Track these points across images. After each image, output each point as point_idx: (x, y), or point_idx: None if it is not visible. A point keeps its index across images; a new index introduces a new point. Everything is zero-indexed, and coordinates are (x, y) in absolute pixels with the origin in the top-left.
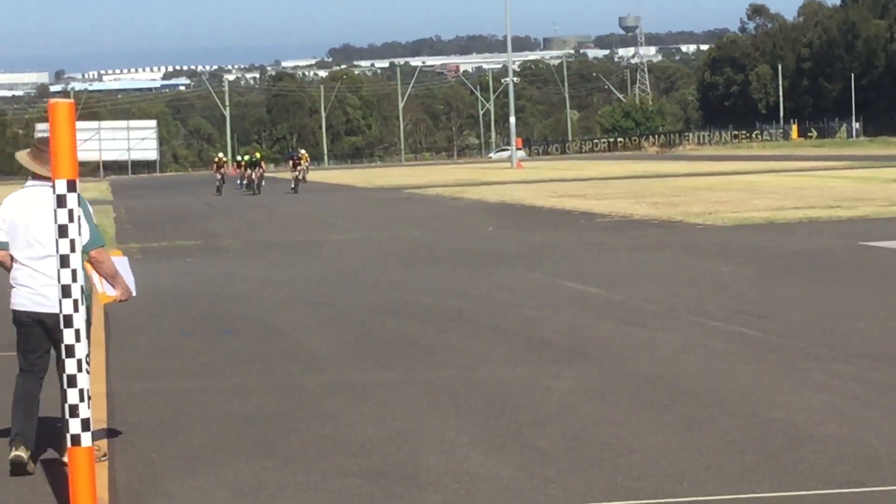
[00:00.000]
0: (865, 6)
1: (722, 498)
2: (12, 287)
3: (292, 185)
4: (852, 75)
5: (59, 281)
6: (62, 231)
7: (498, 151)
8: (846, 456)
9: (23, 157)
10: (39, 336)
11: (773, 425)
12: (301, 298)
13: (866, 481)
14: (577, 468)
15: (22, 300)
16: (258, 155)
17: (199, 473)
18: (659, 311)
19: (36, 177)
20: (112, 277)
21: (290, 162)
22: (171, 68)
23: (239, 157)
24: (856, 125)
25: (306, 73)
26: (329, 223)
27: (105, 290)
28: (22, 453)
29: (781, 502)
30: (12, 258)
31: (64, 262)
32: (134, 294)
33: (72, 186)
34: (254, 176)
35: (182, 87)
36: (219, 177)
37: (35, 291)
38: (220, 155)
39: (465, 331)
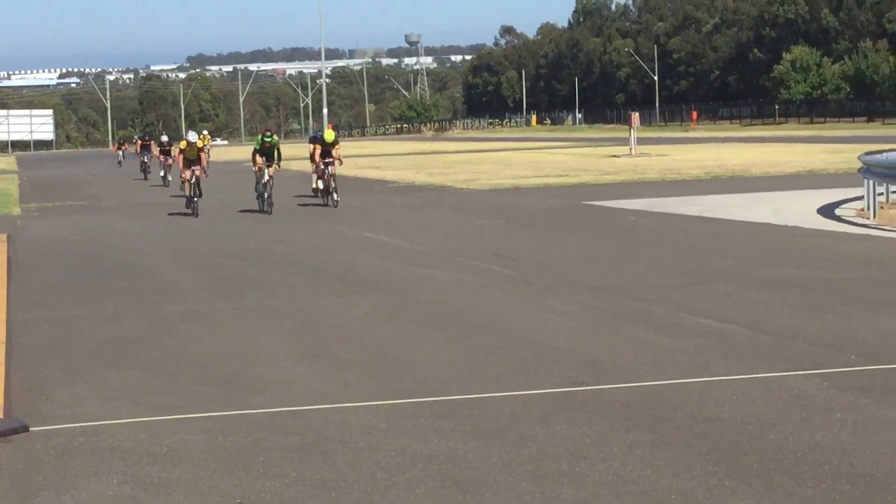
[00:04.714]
0: (586, 28)
1: (482, 396)
2: None
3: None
4: (576, 79)
5: None
6: None
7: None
8: (574, 362)
9: None
10: None
11: (521, 340)
12: (162, 246)
13: (588, 381)
14: (372, 375)
15: None
16: (274, 139)
17: (78, 383)
18: (435, 254)
19: None
20: None
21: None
22: (64, 70)
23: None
24: (578, 115)
25: (170, 74)
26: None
27: None
28: None
29: (527, 398)
30: None
31: None
32: None
33: None
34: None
35: (73, 85)
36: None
37: None
38: (164, 137)
39: (287, 270)
